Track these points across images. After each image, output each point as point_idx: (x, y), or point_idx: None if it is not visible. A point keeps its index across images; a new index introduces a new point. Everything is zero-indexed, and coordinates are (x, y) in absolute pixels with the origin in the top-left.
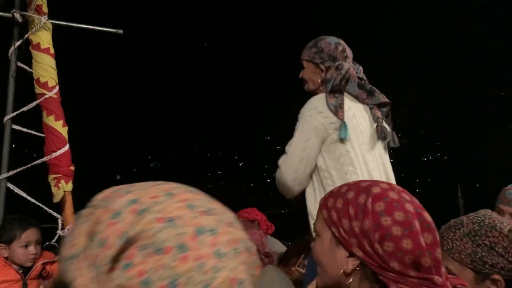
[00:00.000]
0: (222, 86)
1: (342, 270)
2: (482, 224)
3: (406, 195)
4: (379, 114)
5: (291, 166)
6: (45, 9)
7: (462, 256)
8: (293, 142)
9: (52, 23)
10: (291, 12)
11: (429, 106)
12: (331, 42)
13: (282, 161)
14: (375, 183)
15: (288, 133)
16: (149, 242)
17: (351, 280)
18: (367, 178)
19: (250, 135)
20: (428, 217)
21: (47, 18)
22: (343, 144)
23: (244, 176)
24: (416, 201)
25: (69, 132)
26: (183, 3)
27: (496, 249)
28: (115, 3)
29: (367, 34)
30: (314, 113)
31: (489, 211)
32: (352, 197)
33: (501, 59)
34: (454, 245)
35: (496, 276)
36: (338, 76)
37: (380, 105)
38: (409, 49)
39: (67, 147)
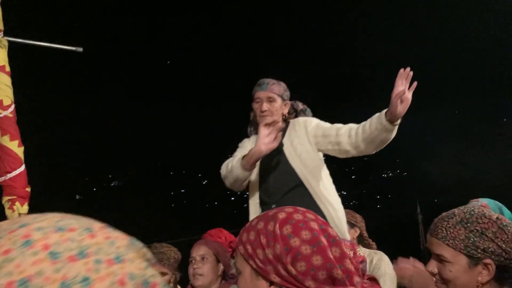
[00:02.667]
0: (185, 104)
1: None
2: (472, 213)
3: (311, 215)
4: None
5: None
6: (0, 26)
7: (456, 242)
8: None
9: (8, 41)
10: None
11: None
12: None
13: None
14: (280, 209)
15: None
16: None
17: None
18: None
19: (214, 152)
20: (332, 231)
21: (2, 35)
22: None
23: (208, 194)
24: (320, 219)
25: (25, 152)
26: (145, 22)
27: (487, 234)
28: (76, 21)
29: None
30: None
31: (477, 204)
32: (262, 227)
33: (456, 79)
34: (448, 232)
35: (487, 260)
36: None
37: None
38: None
39: (22, 167)
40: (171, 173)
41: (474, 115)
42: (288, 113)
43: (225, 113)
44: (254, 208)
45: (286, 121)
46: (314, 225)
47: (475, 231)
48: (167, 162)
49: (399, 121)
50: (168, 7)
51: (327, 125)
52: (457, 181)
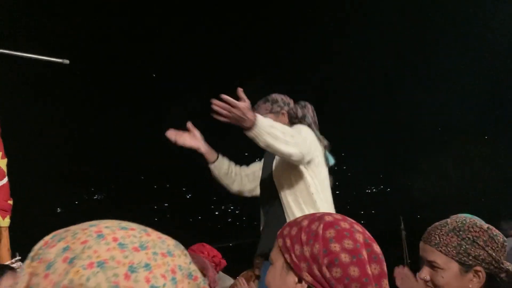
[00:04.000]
0: (169, 116)
1: None
2: (464, 222)
3: (358, 227)
4: None
5: (305, 147)
6: None
7: (449, 249)
8: (303, 130)
9: None
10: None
11: (369, 140)
12: (278, 94)
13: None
14: (329, 213)
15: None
16: None
17: None
18: (330, 199)
19: (198, 166)
20: (377, 248)
21: None
22: (325, 169)
23: (192, 208)
24: (368, 233)
25: (8, 164)
26: (129, 35)
27: (478, 242)
28: (62, 33)
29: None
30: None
31: (468, 216)
32: (305, 224)
33: (436, 96)
34: (441, 239)
35: (478, 268)
36: (309, 113)
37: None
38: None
39: (5, 180)
40: (155, 186)
41: (457, 131)
42: (291, 121)
43: (208, 129)
44: (262, 216)
45: None
46: (359, 238)
47: (467, 239)
48: (150, 176)
49: (253, 129)
50: (152, 19)
51: None
52: (440, 197)
